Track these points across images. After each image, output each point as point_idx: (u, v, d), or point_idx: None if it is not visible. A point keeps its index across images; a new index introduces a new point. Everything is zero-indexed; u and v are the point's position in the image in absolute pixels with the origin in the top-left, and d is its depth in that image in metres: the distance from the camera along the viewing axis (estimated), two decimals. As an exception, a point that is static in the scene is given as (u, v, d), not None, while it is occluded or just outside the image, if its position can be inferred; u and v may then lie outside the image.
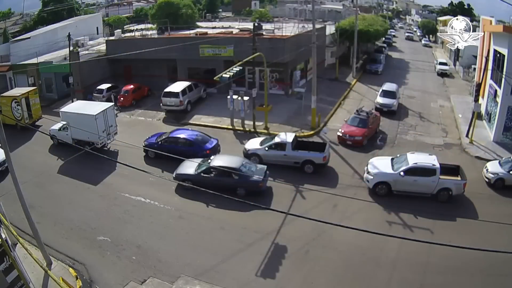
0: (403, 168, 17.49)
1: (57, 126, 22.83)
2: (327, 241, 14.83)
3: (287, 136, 20.41)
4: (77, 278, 13.12)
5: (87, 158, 19.42)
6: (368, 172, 18.24)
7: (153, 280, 13.14)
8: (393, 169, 17.89)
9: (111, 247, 14.74)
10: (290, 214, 15.72)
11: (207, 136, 21.46)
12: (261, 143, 20.72)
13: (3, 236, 11.17)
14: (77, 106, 23.32)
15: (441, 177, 17.16)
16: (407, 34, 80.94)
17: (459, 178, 17.51)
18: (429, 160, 17.70)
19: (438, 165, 17.26)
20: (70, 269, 13.57)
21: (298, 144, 20.42)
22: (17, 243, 13.36)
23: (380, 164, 18.45)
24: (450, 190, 17.19)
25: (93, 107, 22.26)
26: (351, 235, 14.09)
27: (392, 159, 18.90)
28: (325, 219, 10.58)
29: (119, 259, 14.14)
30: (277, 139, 20.28)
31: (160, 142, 21.20)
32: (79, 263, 13.96)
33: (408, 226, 15.71)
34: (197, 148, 20.41)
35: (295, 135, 20.96)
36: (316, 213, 16.05)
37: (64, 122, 22.10)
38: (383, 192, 17.71)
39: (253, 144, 20.95)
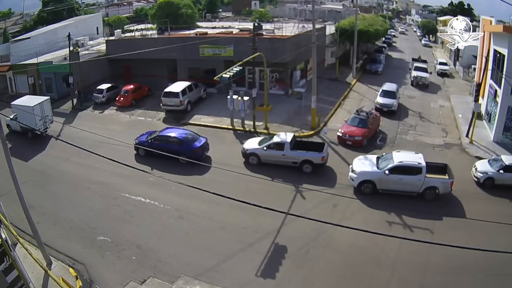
0: (388, 166, 17.41)
1: (11, 116, 25.14)
2: (327, 241, 14.82)
3: (285, 136, 20.42)
4: (77, 278, 13.12)
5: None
6: (352, 171, 18.15)
7: (153, 280, 13.14)
8: (378, 167, 17.80)
9: (111, 247, 14.74)
10: (290, 214, 15.71)
11: (196, 135, 21.74)
12: (260, 143, 20.71)
13: (3, 236, 11.18)
14: (23, 100, 25.88)
15: (428, 175, 17.02)
16: (415, 73, 36.26)
17: (446, 177, 17.38)
18: (415, 158, 17.60)
19: (424, 164, 17.15)
20: (70, 269, 13.57)
21: (296, 144, 20.43)
22: (17, 243, 13.37)
23: (365, 163, 18.36)
24: (437, 189, 17.05)
25: (33, 100, 25.32)
26: (351, 235, 14.11)
27: (377, 157, 18.83)
28: (325, 219, 10.57)
29: (119, 259, 14.14)
30: (275, 139, 20.26)
31: (150, 141, 21.31)
32: (79, 263, 13.95)
33: (408, 226, 15.70)
34: (187, 146, 20.60)
35: (294, 135, 20.97)
36: (316, 213, 16.05)
37: (15, 113, 24.84)
38: (368, 190, 17.60)
39: (252, 143, 20.95)
